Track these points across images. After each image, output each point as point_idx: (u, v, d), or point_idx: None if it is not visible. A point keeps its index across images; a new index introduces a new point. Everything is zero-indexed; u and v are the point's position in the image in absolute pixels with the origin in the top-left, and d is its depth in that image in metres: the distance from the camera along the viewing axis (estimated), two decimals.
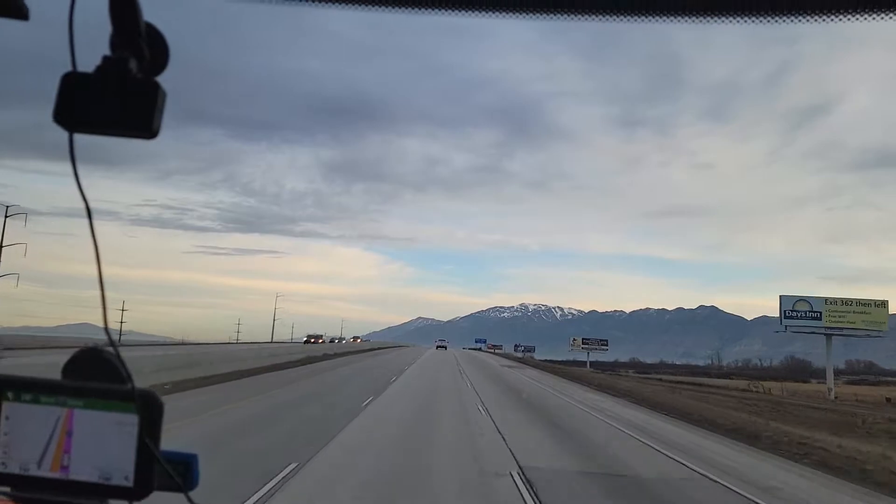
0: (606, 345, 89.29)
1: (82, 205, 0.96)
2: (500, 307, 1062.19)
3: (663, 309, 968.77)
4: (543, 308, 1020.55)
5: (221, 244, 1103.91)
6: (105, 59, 0.98)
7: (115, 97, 0.96)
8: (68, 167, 0.93)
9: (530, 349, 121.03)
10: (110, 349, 1.14)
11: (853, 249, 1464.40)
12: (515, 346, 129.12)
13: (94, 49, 0.98)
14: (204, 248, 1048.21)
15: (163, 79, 1.00)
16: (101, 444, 1.09)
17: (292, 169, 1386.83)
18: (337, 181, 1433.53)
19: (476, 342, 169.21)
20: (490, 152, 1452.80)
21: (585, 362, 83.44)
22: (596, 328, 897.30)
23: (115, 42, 0.98)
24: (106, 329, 1.02)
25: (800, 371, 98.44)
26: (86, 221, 0.96)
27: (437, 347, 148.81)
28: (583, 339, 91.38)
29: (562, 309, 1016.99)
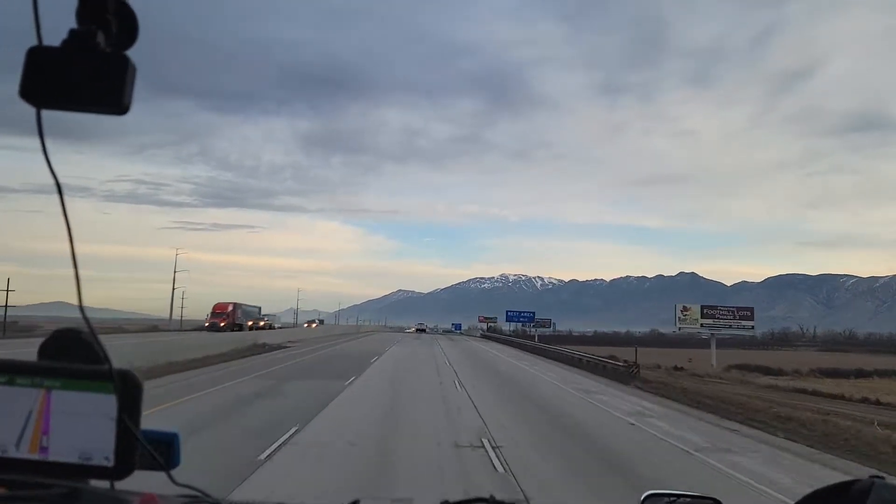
0: (751, 317, 50.03)
1: (53, 182, 0.94)
2: (481, 278, 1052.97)
3: (643, 276, 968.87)
4: (524, 278, 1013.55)
5: (198, 219, 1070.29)
6: (71, 32, 0.94)
7: (83, 72, 0.92)
8: (38, 142, 0.90)
9: (544, 323, 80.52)
10: (87, 330, 1.10)
11: (831, 214, 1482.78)
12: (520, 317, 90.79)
13: (60, 22, 0.93)
14: (180, 223, 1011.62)
15: (134, 48, 0.97)
16: (80, 425, 1.07)
17: (269, 141, 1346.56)
18: (315, 153, 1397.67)
19: (514, 317, 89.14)
20: (471, 122, 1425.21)
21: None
22: (576, 297, 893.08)
23: (81, 15, 0.94)
24: (81, 309, 0.99)
25: None
26: (57, 198, 0.93)
27: (417, 331, 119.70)
28: (704, 307, 49.77)
29: (542, 278, 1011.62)
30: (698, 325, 49.54)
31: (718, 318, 49.60)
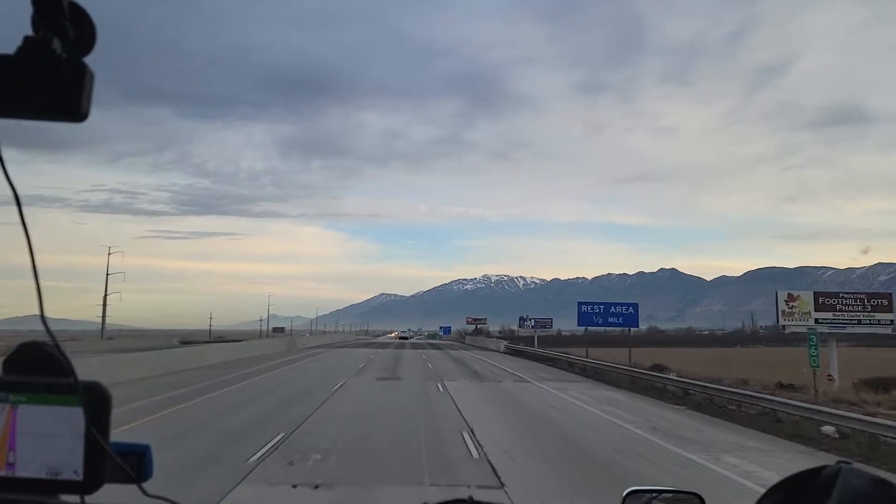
0: (889, 307, 32.56)
1: (15, 193, 0.92)
2: (463, 279, 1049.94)
3: (624, 273, 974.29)
4: (506, 278, 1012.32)
5: (176, 228, 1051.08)
6: (26, 39, 0.92)
7: (39, 80, 0.90)
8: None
9: (544, 323, 74.17)
10: (50, 343, 1.08)
11: (808, 208, 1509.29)
12: (521, 319, 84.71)
13: (14, 30, 0.92)
14: (158, 232, 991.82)
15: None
16: (48, 439, 1.05)
17: (248, 147, 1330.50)
18: (295, 158, 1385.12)
19: (591, 318, 41.97)
20: (452, 123, 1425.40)
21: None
22: (559, 296, 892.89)
23: (37, 22, 0.92)
24: (43, 322, 0.97)
25: None
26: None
27: (400, 339, 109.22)
28: (819, 295, 33.48)
29: (524, 278, 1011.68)
30: (810, 320, 33.54)
31: (841, 309, 34.22)
